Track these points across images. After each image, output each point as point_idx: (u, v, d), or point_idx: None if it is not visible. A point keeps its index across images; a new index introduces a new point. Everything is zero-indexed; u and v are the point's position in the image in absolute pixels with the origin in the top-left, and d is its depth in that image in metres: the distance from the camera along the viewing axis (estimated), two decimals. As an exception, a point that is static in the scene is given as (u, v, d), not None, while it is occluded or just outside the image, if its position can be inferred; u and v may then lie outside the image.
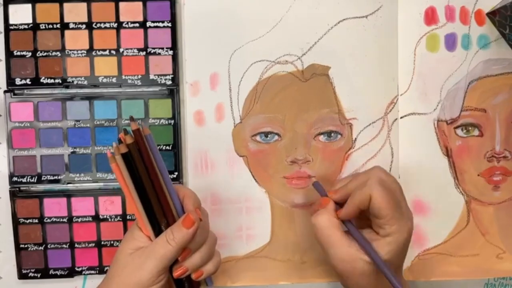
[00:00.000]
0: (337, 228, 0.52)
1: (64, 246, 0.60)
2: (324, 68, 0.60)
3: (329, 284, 0.62)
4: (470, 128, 0.61)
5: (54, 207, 0.60)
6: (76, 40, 0.59)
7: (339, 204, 0.53)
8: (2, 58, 0.59)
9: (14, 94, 0.59)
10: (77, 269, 0.61)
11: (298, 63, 0.60)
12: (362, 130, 0.60)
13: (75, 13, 0.59)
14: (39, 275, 0.60)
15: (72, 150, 0.60)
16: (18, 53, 0.59)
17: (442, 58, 0.60)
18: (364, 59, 0.60)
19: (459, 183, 0.61)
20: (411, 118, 0.60)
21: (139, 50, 0.59)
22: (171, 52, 0.59)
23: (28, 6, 0.59)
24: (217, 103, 0.60)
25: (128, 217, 0.60)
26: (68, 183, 0.60)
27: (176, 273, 0.51)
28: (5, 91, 0.59)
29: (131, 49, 0.59)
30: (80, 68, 0.59)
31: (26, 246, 0.60)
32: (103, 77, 0.59)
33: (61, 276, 0.61)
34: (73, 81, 0.59)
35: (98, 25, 0.59)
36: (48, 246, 0.60)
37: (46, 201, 0.60)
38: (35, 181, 0.60)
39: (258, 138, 0.60)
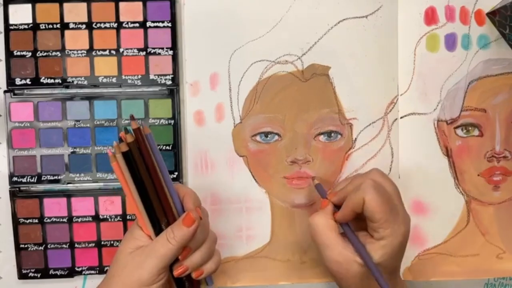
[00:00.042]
0: (333, 230, 0.52)
1: (64, 246, 0.60)
2: (324, 68, 0.60)
3: (329, 284, 0.62)
4: (470, 128, 0.61)
5: (54, 207, 0.60)
6: (76, 40, 0.59)
7: (338, 207, 0.53)
8: (2, 58, 0.59)
9: (14, 94, 0.59)
10: (77, 269, 0.61)
11: (298, 63, 0.60)
12: (362, 130, 0.60)
13: (75, 13, 0.59)
14: (39, 275, 0.60)
15: (72, 150, 0.60)
16: (18, 53, 0.59)
17: (442, 58, 0.60)
18: (364, 59, 0.60)
19: (459, 183, 0.61)
20: (411, 118, 0.60)
21: (139, 50, 0.59)
22: (171, 52, 0.59)
23: (28, 6, 0.59)
24: (217, 103, 0.60)
25: (128, 217, 0.60)
26: (68, 183, 0.60)
27: (177, 272, 0.51)
28: (5, 91, 0.59)
29: (131, 49, 0.59)
30: (80, 68, 0.59)
31: (26, 246, 0.60)
32: (103, 77, 0.59)
33: (61, 276, 0.61)
34: (73, 81, 0.59)
35: (98, 25, 0.59)
36: (48, 246, 0.60)
37: (46, 201, 0.60)
38: (35, 181, 0.60)
39: (258, 138, 0.60)
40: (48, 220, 0.60)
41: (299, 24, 0.59)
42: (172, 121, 0.60)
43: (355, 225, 0.53)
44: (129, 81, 0.59)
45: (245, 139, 0.60)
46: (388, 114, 0.60)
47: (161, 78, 0.59)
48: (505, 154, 0.61)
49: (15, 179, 0.60)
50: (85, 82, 0.59)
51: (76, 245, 0.60)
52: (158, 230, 0.51)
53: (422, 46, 0.60)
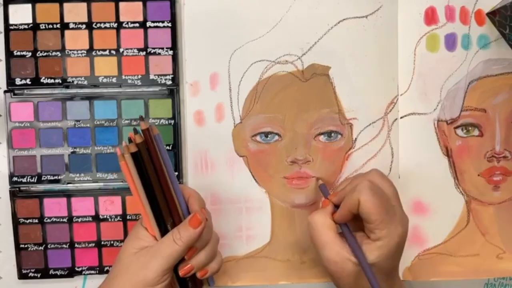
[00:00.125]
0: (330, 229, 0.52)
1: (64, 246, 0.60)
2: (324, 68, 0.60)
3: (328, 284, 0.62)
4: (470, 128, 0.61)
5: (54, 207, 0.60)
6: (76, 40, 0.59)
7: (338, 207, 0.53)
8: (2, 58, 0.59)
9: (14, 94, 0.59)
10: (77, 269, 0.61)
11: (298, 63, 0.60)
12: (362, 130, 0.60)
13: (75, 13, 0.59)
14: (39, 275, 0.60)
15: (72, 150, 0.60)
16: (18, 53, 0.59)
17: (442, 58, 0.60)
18: (364, 59, 0.60)
19: (459, 183, 0.61)
20: (411, 118, 0.60)
21: (139, 50, 0.59)
22: (171, 52, 0.59)
23: (28, 6, 0.59)
24: (217, 103, 0.60)
25: (128, 217, 0.60)
26: (68, 183, 0.60)
27: (183, 271, 0.51)
28: (5, 91, 0.59)
29: (131, 49, 0.59)
30: (80, 68, 0.59)
31: (26, 246, 0.60)
32: (103, 77, 0.59)
33: (61, 276, 0.61)
34: (73, 81, 0.59)
35: (98, 25, 0.59)
36: (48, 246, 0.60)
37: (46, 201, 0.60)
38: (35, 181, 0.60)
39: (258, 138, 0.60)
40: (48, 220, 0.60)
41: (299, 24, 0.59)
42: (172, 121, 0.60)
43: (355, 225, 0.53)
44: (129, 81, 0.59)
45: (245, 139, 0.60)
46: (388, 114, 0.60)
47: (161, 78, 0.59)
48: (505, 154, 0.61)
49: (15, 179, 0.60)
50: (85, 82, 0.59)
51: (76, 245, 0.60)
52: (163, 231, 0.51)
53: (422, 46, 0.60)
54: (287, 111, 0.60)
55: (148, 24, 0.59)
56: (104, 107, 0.59)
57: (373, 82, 0.60)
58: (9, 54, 0.59)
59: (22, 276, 0.60)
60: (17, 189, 0.60)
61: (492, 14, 0.59)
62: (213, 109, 0.60)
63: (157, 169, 0.50)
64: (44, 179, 0.60)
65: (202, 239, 0.51)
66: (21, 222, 0.60)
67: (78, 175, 0.60)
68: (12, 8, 0.59)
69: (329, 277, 0.54)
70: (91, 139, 0.60)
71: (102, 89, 0.59)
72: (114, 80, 0.59)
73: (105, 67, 0.59)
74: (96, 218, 0.60)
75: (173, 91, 0.59)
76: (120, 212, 0.60)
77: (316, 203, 0.60)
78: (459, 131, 0.61)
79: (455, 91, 0.60)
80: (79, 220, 0.60)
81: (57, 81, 0.59)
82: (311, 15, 0.59)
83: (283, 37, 0.59)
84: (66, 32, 0.59)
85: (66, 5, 0.59)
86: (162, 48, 0.59)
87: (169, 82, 0.59)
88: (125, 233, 0.60)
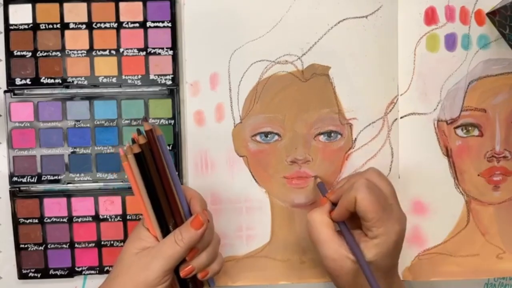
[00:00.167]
0: (329, 227, 0.53)
1: (64, 246, 0.60)
2: (324, 68, 0.60)
3: (328, 284, 0.62)
4: (470, 128, 0.61)
5: (54, 207, 0.60)
6: (76, 40, 0.59)
7: (337, 205, 0.54)
8: (2, 58, 0.59)
9: (14, 94, 0.59)
10: (77, 269, 0.61)
11: (298, 63, 0.60)
12: (362, 130, 0.60)
13: (75, 13, 0.59)
14: (39, 275, 0.60)
15: (72, 150, 0.60)
16: (18, 53, 0.59)
17: (442, 58, 0.60)
18: (364, 59, 0.60)
19: (459, 183, 0.61)
20: (411, 118, 0.60)
21: (139, 50, 0.59)
22: (171, 52, 0.59)
23: (28, 6, 0.59)
24: (217, 103, 0.60)
25: (128, 217, 0.60)
26: (68, 183, 0.60)
27: (184, 272, 0.51)
28: (5, 91, 0.59)
29: (131, 49, 0.59)
30: (80, 68, 0.59)
31: (26, 246, 0.60)
32: (103, 77, 0.59)
33: (61, 276, 0.61)
34: (73, 81, 0.59)
35: (98, 25, 0.59)
36: (48, 246, 0.60)
37: (46, 201, 0.60)
38: (35, 181, 0.60)
39: (258, 138, 0.60)
40: (48, 220, 0.60)
41: (299, 24, 0.59)
42: (172, 121, 0.60)
43: (353, 223, 0.53)
44: (129, 81, 0.59)
45: (245, 139, 0.60)
46: (388, 114, 0.60)
47: (161, 78, 0.59)
48: (505, 154, 0.61)
49: (15, 179, 0.60)
50: (85, 82, 0.59)
51: (76, 245, 0.60)
52: (165, 232, 0.51)
53: (422, 46, 0.60)
54: (287, 111, 0.60)
55: (148, 24, 0.59)
56: (104, 107, 0.59)
57: (373, 82, 0.60)
58: (9, 54, 0.59)
59: (22, 276, 0.60)
60: (17, 189, 0.60)
61: (492, 14, 0.59)
62: (213, 109, 0.60)
63: (160, 170, 0.50)
64: (44, 179, 0.60)
65: (203, 240, 0.51)
66: (21, 222, 0.60)
67: (78, 175, 0.60)
68: (12, 8, 0.59)
69: (328, 275, 0.54)
70: (91, 139, 0.60)
71: (102, 89, 0.59)
72: (114, 80, 0.59)
73: (105, 67, 0.59)
74: (96, 218, 0.60)
75: (173, 91, 0.59)
76: (120, 212, 0.60)
77: (316, 202, 0.60)
78: (459, 131, 0.61)
79: (455, 91, 0.60)
80: (79, 220, 0.60)
81: (57, 81, 0.59)
82: (311, 15, 0.59)
83: (283, 37, 0.59)
84: (66, 32, 0.59)
85: (66, 5, 0.59)
86: (162, 48, 0.59)
87: (169, 82, 0.59)
88: (125, 233, 0.60)
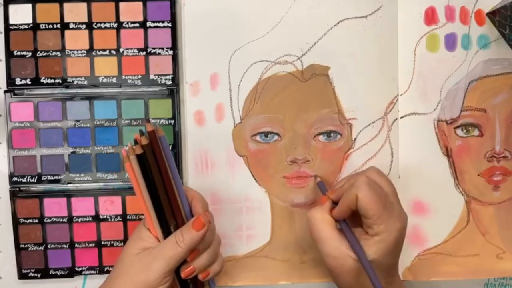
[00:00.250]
0: (329, 225, 0.53)
1: (64, 246, 0.60)
2: (323, 68, 0.60)
3: (329, 284, 0.62)
4: (470, 128, 0.61)
5: (54, 207, 0.60)
6: (76, 40, 0.59)
7: (337, 204, 0.54)
8: (2, 58, 0.59)
9: (14, 94, 0.59)
10: (77, 269, 0.61)
11: (298, 63, 0.60)
12: (361, 130, 0.60)
13: (75, 13, 0.59)
14: (39, 275, 0.60)
15: (72, 150, 0.60)
16: (18, 53, 0.59)
17: (442, 58, 0.60)
18: (364, 59, 0.60)
19: (459, 183, 0.61)
20: (411, 118, 0.60)
21: (139, 50, 0.59)
22: (171, 52, 0.59)
23: (28, 6, 0.59)
24: (217, 103, 0.60)
25: (128, 217, 0.60)
26: (68, 183, 0.60)
27: (185, 273, 0.51)
28: (5, 91, 0.59)
29: (131, 49, 0.59)
30: (80, 68, 0.59)
31: (26, 246, 0.60)
32: (103, 77, 0.59)
33: (61, 276, 0.61)
34: (73, 81, 0.59)
35: (98, 25, 0.59)
36: (48, 246, 0.60)
37: (46, 201, 0.60)
38: (35, 181, 0.60)
39: (258, 138, 0.60)
40: (48, 220, 0.60)
41: (299, 24, 0.59)
42: (172, 121, 0.60)
43: (354, 222, 0.54)
44: (129, 81, 0.59)
45: (245, 139, 0.60)
46: (388, 114, 0.60)
47: (161, 78, 0.59)
48: (505, 154, 0.61)
49: (15, 179, 0.60)
50: (85, 82, 0.59)
51: (76, 245, 0.60)
52: (166, 232, 0.51)
53: (422, 46, 0.60)
54: (287, 111, 0.60)
55: (148, 24, 0.59)
56: (104, 107, 0.60)
57: (373, 82, 0.60)
58: (9, 54, 0.59)
59: (22, 276, 0.60)
60: (17, 189, 0.60)
61: (492, 14, 0.59)
62: (213, 109, 0.60)
63: (162, 171, 0.50)
64: (44, 179, 0.60)
65: (204, 241, 0.51)
66: (21, 222, 0.60)
67: (78, 175, 0.60)
68: (12, 8, 0.59)
69: (330, 274, 0.54)
70: (91, 139, 0.60)
71: (102, 89, 0.59)
72: (114, 80, 0.59)
73: (105, 67, 0.59)
74: (96, 218, 0.60)
75: (173, 91, 0.59)
76: (120, 212, 0.60)
77: (316, 202, 0.60)
78: (459, 131, 0.61)
79: (455, 91, 0.60)
80: (79, 220, 0.60)
81: (57, 81, 0.59)
82: (310, 15, 0.59)
83: (283, 38, 0.59)
84: (66, 32, 0.59)
85: (66, 5, 0.59)
86: (162, 48, 0.59)
87: (169, 82, 0.59)
88: (125, 233, 0.60)
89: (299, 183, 0.60)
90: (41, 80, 0.59)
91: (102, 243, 0.61)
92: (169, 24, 0.59)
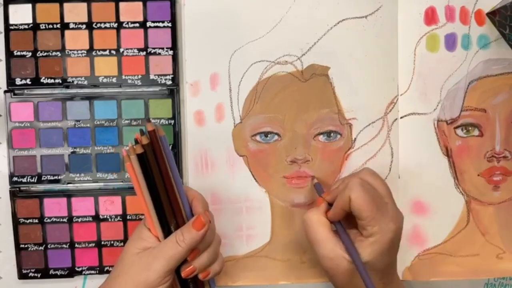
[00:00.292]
0: (325, 226, 0.53)
1: (64, 246, 0.60)
2: (323, 68, 0.60)
3: (328, 284, 0.62)
4: (470, 128, 0.61)
5: (54, 207, 0.60)
6: (76, 40, 0.59)
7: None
8: (2, 58, 0.59)
9: (14, 94, 0.59)
10: (77, 269, 0.61)
11: (297, 63, 0.60)
12: (361, 130, 0.60)
13: (75, 13, 0.59)
14: (39, 275, 0.60)
15: (72, 150, 0.60)
16: (18, 53, 0.59)
17: (442, 58, 0.60)
18: (364, 59, 0.60)
19: (459, 183, 0.61)
20: (411, 118, 0.60)
21: (139, 50, 0.59)
22: (171, 52, 0.59)
23: (28, 6, 0.59)
24: (217, 103, 0.60)
25: (128, 217, 0.60)
26: (68, 183, 0.60)
27: (185, 272, 0.51)
28: (5, 91, 0.59)
29: (131, 49, 0.59)
30: (80, 68, 0.59)
31: (26, 246, 0.60)
32: (103, 77, 0.59)
33: (61, 276, 0.61)
34: (73, 81, 0.59)
35: (98, 25, 0.59)
36: (48, 246, 0.60)
37: (46, 201, 0.60)
38: (35, 181, 0.60)
39: (258, 138, 0.60)
40: (48, 220, 0.60)
41: (298, 24, 0.59)
42: (172, 121, 0.60)
43: (349, 223, 0.54)
44: (129, 81, 0.59)
45: (245, 139, 0.60)
46: (388, 114, 0.60)
47: (161, 78, 0.59)
48: (505, 154, 0.61)
49: (15, 179, 0.60)
50: (85, 82, 0.59)
51: (76, 245, 0.60)
52: (166, 232, 0.51)
53: (422, 46, 0.60)
54: (287, 111, 0.60)
55: (148, 24, 0.59)
56: (104, 107, 0.60)
57: (373, 82, 0.60)
58: (9, 54, 0.59)
59: (22, 276, 0.60)
60: (17, 189, 0.60)
61: (492, 14, 0.59)
62: (213, 109, 0.60)
63: (162, 170, 0.50)
64: (44, 179, 0.60)
65: (204, 241, 0.51)
66: (21, 222, 0.60)
67: (78, 175, 0.60)
68: (12, 8, 0.59)
69: (326, 275, 0.54)
70: (91, 139, 0.60)
71: (102, 89, 0.59)
72: (114, 80, 0.59)
73: (105, 67, 0.59)
74: (96, 218, 0.60)
75: (173, 91, 0.59)
76: (120, 212, 0.60)
77: (315, 202, 0.60)
78: (459, 131, 0.61)
79: (455, 91, 0.60)
80: (79, 220, 0.60)
81: (57, 81, 0.59)
82: (310, 15, 0.59)
83: (283, 38, 0.59)
84: (66, 32, 0.59)
85: (66, 5, 0.59)
86: (162, 48, 0.59)
87: (169, 82, 0.59)
88: (125, 233, 0.60)
89: (299, 183, 0.60)
90: (41, 80, 0.59)
91: (102, 243, 0.61)
92: (169, 24, 0.59)
